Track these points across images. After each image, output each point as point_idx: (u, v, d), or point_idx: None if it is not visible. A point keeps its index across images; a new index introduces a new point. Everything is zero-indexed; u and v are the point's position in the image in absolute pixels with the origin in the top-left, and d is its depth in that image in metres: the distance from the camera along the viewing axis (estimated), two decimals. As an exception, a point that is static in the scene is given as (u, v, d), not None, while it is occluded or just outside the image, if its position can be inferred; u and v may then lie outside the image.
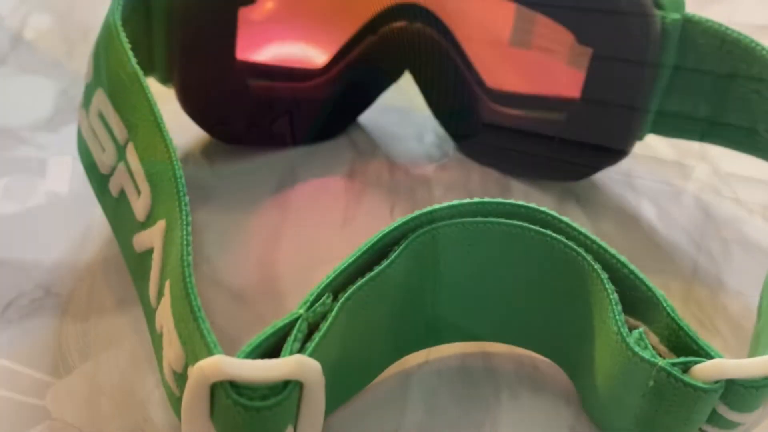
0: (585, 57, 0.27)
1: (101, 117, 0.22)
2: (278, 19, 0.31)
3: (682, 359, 0.17)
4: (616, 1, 0.25)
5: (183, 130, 0.29)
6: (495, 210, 0.19)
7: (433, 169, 0.31)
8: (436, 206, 0.19)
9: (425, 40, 0.30)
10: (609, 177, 0.31)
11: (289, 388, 0.15)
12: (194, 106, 0.28)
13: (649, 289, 0.18)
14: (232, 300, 0.24)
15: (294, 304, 0.16)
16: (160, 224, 0.19)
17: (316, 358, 0.16)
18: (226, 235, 0.26)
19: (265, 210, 0.27)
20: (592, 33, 0.26)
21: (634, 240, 0.28)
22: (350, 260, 0.17)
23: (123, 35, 0.21)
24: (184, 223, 0.17)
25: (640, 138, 0.28)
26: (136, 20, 0.26)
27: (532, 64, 0.31)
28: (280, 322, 0.16)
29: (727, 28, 0.25)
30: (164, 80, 0.28)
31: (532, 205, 0.19)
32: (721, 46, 0.25)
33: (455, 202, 0.19)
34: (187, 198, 0.18)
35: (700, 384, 0.17)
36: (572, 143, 0.29)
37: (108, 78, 0.21)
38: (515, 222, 0.19)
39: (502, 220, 0.19)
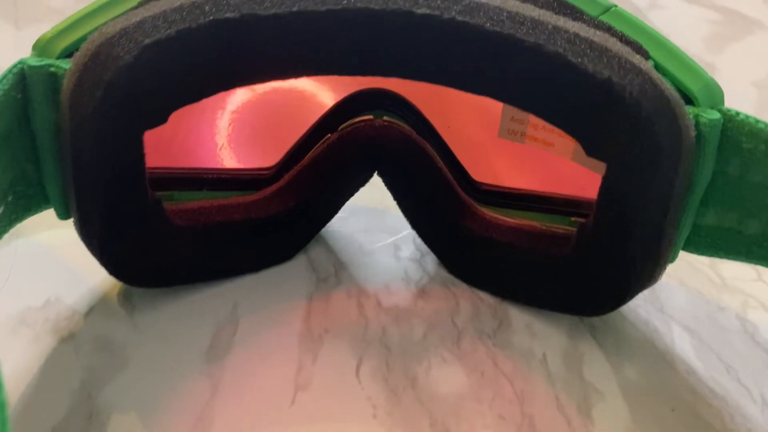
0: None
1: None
2: (211, 119, 0.25)
3: None
4: (635, 100, 0.19)
5: (97, 269, 0.22)
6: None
7: (412, 296, 0.25)
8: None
9: (396, 136, 0.24)
10: (631, 298, 0.25)
11: None
12: (99, 247, 0.21)
13: None
14: None
15: None
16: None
17: None
18: (139, 423, 0.20)
19: (192, 380, 0.21)
20: (606, 143, 0.20)
21: (669, 391, 0.22)
22: None
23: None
24: None
25: (672, 260, 0.22)
26: (17, 142, 0.20)
27: (530, 158, 0.25)
28: None
29: (782, 131, 0.19)
30: (63, 214, 0.22)
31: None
32: (776, 152, 0.19)
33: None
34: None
35: None
36: (585, 268, 0.22)
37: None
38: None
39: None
